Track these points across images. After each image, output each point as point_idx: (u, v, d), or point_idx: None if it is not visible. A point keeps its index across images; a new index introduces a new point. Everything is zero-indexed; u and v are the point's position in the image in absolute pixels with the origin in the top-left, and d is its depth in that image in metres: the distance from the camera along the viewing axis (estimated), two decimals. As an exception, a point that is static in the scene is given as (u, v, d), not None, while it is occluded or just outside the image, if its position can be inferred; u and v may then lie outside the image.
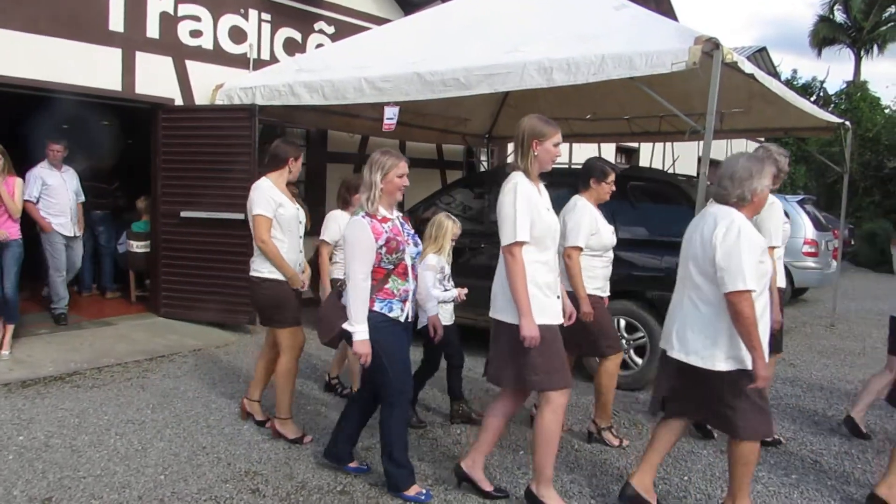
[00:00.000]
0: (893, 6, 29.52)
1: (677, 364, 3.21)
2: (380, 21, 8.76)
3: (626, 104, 7.83)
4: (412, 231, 3.56)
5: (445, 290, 4.35)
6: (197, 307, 7.08)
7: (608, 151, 12.86)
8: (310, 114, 7.61)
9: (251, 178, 6.78)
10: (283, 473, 3.79)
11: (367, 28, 8.43)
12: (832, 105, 22.81)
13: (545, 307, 3.27)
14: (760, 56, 19.25)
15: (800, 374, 6.42)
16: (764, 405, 3.13)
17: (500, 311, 3.33)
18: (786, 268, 10.02)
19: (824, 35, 30.37)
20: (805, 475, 4.03)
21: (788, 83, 23.38)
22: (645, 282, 5.57)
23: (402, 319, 3.43)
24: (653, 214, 5.80)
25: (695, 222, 3.30)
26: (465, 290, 4.38)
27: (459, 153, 10.80)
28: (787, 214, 10.08)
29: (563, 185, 6.63)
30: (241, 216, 6.73)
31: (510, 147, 11.11)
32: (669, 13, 12.24)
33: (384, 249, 3.33)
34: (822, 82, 26.93)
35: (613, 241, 4.37)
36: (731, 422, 3.12)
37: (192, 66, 7.36)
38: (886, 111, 22.27)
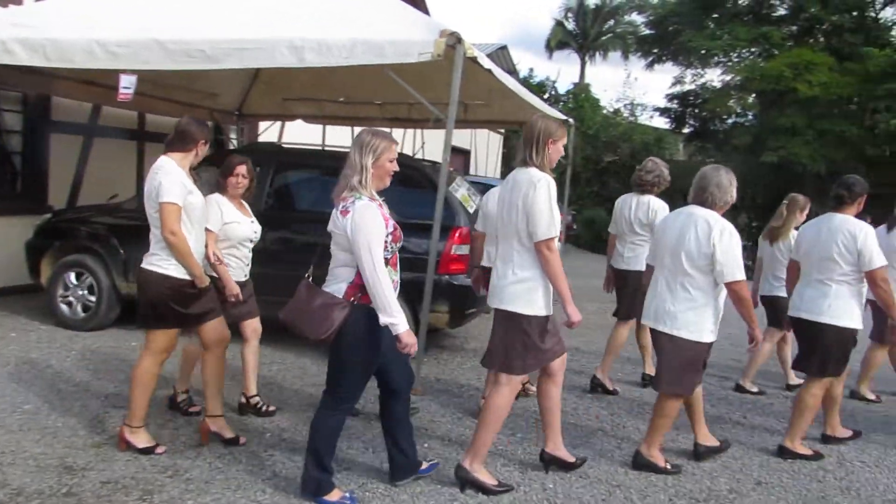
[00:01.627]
0: (613, 20, 33.47)
1: (666, 337, 3.88)
2: (115, -21, 7.97)
3: (379, 89, 7.99)
4: None
5: None
6: None
7: (361, 135, 13.05)
8: (29, 76, 6.72)
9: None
10: (-6, 482, 3.36)
11: (100, -15, 7.63)
12: (561, 103, 25.30)
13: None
14: (502, 53, 20.70)
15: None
16: None
17: (523, 304, 3.49)
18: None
19: (558, 39, 33.56)
20: (530, 432, 4.49)
21: (525, 81, 25.47)
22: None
23: None
24: (399, 197, 5.98)
25: (679, 221, 3.91)
26: None
27: (207, 129, 10.24)
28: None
29: (317, 167, 6.66)
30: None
31: (262, 125, 10.81)
32: (421, 5, 12.67)
33: (390, 238, 3.14)
34: (554, 83, 29.72)
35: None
36: (696, 381, 4.00)
37: None
38: (604, 111, 25.31)
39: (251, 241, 4.41)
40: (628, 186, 5.60)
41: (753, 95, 19.86)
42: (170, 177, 3.64)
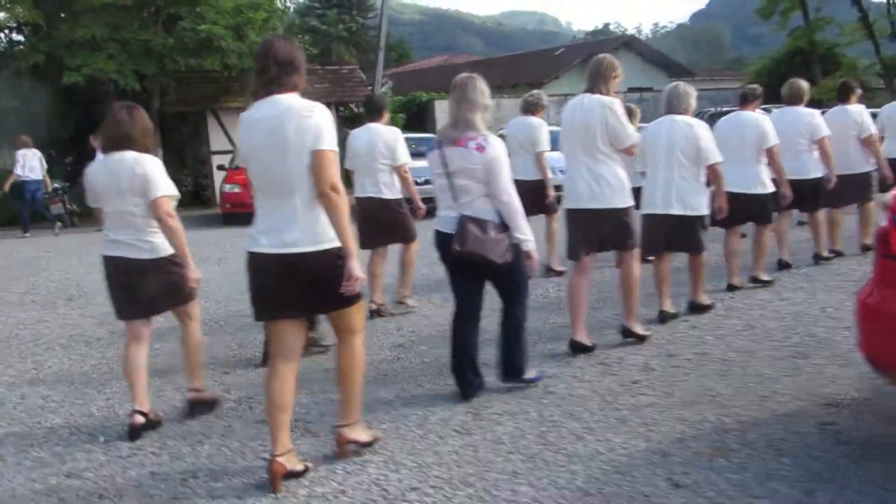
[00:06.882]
0: None
1: (675, 219, 5.21)
2: None
3: None
4: None
5: None
6: None
7: None
8: None
9: None
10: None
11: None
12: None
13: None
14: None
15: None
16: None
17: (617, 201, 4.55)
18: None
19: None
20: None
21: None
22: None
23: None
24: None
25: (663, 128, 5.27)
26: None
27: None
28: None
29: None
30: None
31: None
32: None
33: None
34: None
35: None
36: (700, 244, 5.34)
37: None
38: None
39: None
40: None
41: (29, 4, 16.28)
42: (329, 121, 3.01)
